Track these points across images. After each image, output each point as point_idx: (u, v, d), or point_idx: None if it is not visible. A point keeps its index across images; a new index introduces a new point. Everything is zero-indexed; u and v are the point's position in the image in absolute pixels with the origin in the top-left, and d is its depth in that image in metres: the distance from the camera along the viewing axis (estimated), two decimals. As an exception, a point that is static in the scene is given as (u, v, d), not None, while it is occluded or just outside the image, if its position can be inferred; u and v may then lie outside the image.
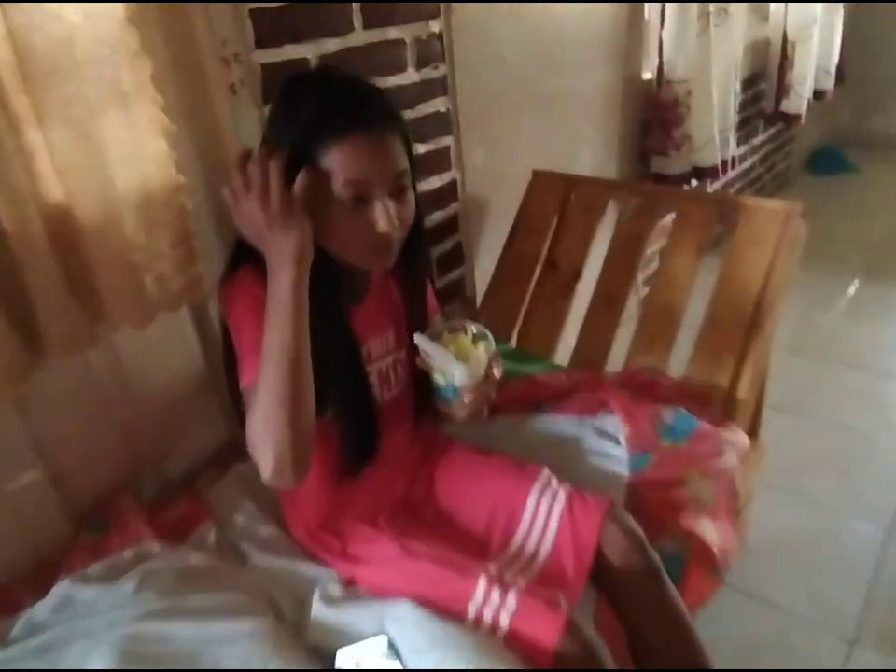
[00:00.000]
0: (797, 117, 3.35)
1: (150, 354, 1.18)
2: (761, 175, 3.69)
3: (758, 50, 3.11)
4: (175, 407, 1.24)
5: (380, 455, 1.03)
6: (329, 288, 0.92)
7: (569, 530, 0.99)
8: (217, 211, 1.21)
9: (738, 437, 1.26)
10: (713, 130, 2.44)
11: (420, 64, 1.48)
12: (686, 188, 2.49)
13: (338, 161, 0.82)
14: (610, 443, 1.21)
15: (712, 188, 2.86)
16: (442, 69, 1.53)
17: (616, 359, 1.52)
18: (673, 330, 1.45)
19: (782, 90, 3.24)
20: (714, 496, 1.14)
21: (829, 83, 3.56)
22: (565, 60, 1.99)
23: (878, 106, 4.46)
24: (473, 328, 1.00)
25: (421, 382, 1.03)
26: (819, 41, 3.26)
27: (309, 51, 1.26)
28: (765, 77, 3.24)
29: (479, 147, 1.72)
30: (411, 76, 1.47)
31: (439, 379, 0.97)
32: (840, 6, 3.36)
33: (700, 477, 1.14)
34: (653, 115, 2.38)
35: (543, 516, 1.03)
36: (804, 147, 4.21)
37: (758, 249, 1.38)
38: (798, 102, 3.29)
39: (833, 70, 3.54)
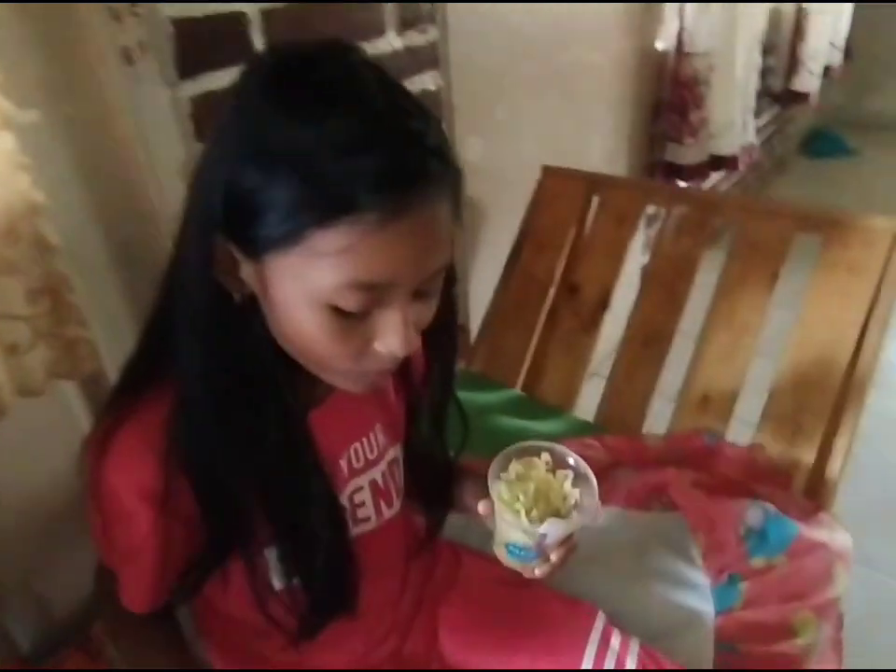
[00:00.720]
0: (806, 95, 3.04)
1: (18, 450, 0.80)
2: (760, 161, 3.38)
3: (770, 22, 2.78)
4: (56, 521, 0.86)
5: (359, 608, 0.68)
6: (278, 391, 0.57)
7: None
8: (117, 243, 0.83)
9: (839, 536, 0.94)
10: (734, 112, 2.11)
11: (404, 26, 1.09)
12: (701, 182, 2.14)
13: (348, 254, 0.47)
14: (679, 559, 0.87)
15: (727, 180, 2.53)
16: (432, 33, 1.14)
17: (657, 420, 1.18)
18: (737, 383, 1.12)
19: (794, 65, 2.92)
20: (828, 637, 0.82)
21: (837, 59, 3.26)
22: (576, 29, 1.61)
23: (877, 86, 4.19)
24: (546, 451, 0.65)
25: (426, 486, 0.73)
26: (831, 12, 2.94)
27: (247, 4, 0.87)
28: (775, 51, 2.91)
29: (474, 136, 1.34)
30: (391, 41, 1.08)
31: (516, 537, 0.62)
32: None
33: (815, 618, 0.81)
34: (669, 94, 2.02)
35: None
36: (799, 129, 3.92)
37: (853, 281, 1.05)
38: (809, 79, 2.98)
39: (842, 45, 3.24)
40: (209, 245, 0.51)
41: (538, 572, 0.67)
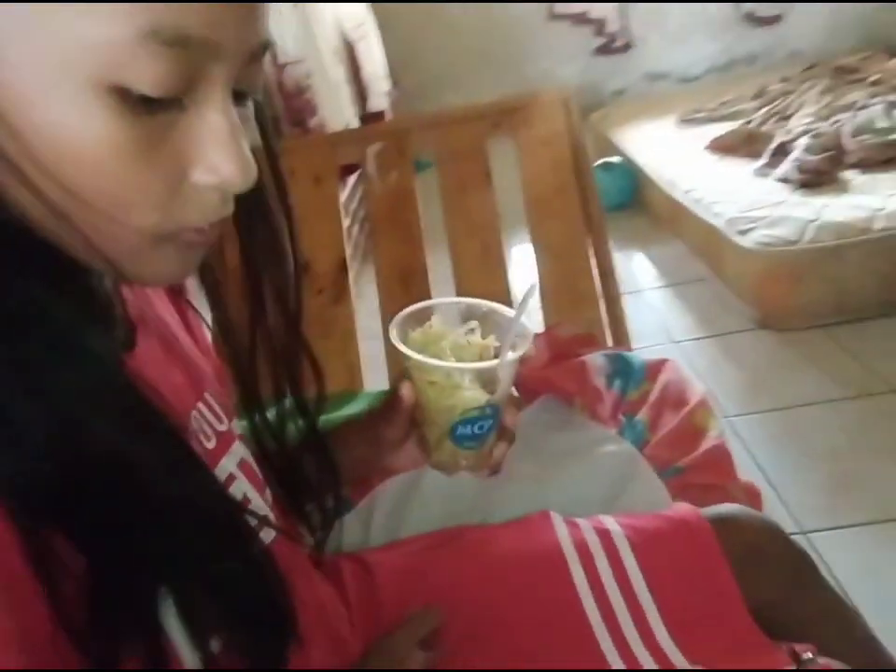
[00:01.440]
0: (382, 113, 3.36)
1: None
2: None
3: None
4: None
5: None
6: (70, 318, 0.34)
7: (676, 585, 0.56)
8: None
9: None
10: (347, 114, 2.18)
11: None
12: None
13: None
14: (575, 429, 0.80)
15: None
16: None
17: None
18: (503, 278, 1.10)
19: (363, 90, 3.20)
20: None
21: (388, 84, 3.68)
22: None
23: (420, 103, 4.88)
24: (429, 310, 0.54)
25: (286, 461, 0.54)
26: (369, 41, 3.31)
27: None
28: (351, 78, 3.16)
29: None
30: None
31: (464, 401, 0.49)
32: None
33: (709, 411, 0.81)
34: (283, 108, 2.00)
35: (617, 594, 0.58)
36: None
37: (551, 150, 1.11)
38: (379, 99, 3.30)
39: (387, 71, 3.67)
40: None
41: (496, 453, 0.53)
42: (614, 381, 0.85)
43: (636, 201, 2.63)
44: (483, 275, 1.11)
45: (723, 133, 2.44)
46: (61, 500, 0.31)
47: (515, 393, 0.70)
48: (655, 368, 0.87)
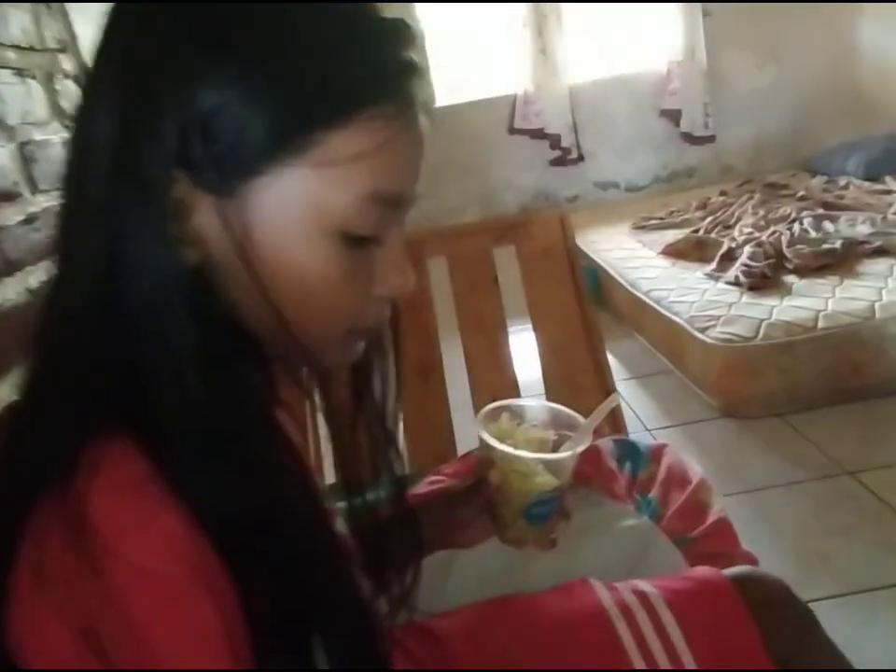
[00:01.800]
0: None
1: None
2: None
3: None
4: None
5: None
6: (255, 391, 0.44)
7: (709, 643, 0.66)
8: None
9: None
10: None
11: None
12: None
13: (368, 158, 0.40)
14: (595, 508, 0.90)
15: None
16: None
17: (464, 436, 1.20)
18: (510, 373, 1.22)
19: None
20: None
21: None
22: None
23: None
24: (504, 410, 0.67)
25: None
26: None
27: None
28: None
29: None
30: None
31: (537, 486, 0.60)
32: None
33: (710, 488, 0.93)
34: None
35: (658, 646, 0.67)
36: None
37: (551, 261, 1.27)
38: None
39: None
40: (162, 193, 0.38)
41: (558, 529, 0.63)
42: (624, 463, 0.96)
43: (598, 299, 2.85)
44: (493, 369, 1.23)
45: (674, 239, 2.70)
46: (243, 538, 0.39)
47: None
48: (658, 451, 0.99)
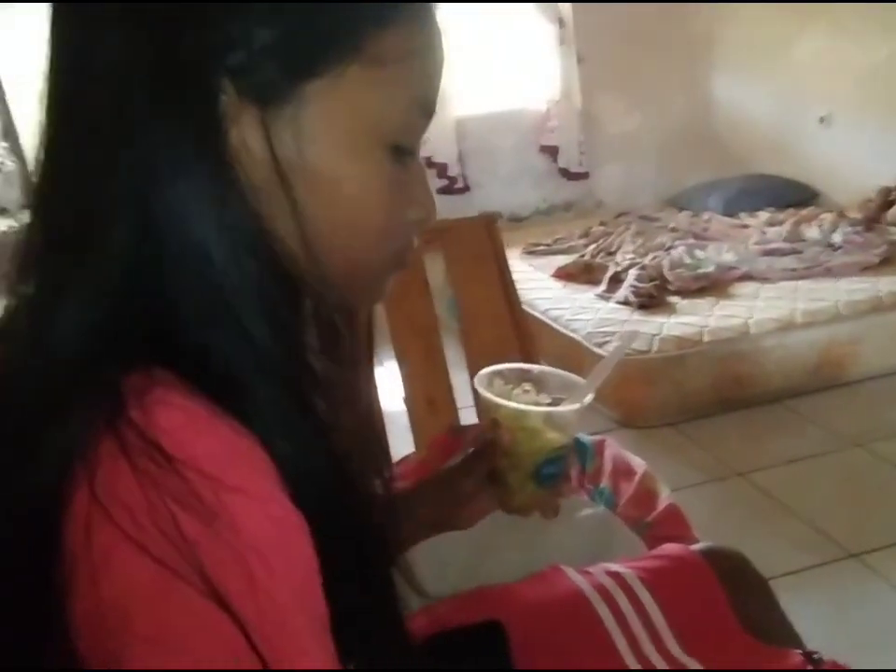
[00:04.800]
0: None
1: None
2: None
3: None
4: None
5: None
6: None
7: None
8: None
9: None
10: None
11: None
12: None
13: (413, 61, 0.39)
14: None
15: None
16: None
17: (400, 442, 1.16)
18: (444, 376, 1.20)
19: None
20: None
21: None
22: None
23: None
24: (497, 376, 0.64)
25: None
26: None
27: None
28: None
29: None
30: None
31: (549, 443, 0.58)
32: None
33: (655, 476, 0.96)
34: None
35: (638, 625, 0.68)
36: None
37: (481, 264, 1.28)
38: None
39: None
40: (210, 106, 0.35)
41: (554, 503, 0.62)
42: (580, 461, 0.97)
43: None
44: (427, 373, 1.21)
45: (564, 263, 2.83)
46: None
47: None
48: (600, 445, 1.01)
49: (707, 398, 2.04)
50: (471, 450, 0.63)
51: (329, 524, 0.35)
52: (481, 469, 0.61)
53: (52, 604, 0.31)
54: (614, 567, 0.73)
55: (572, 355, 2.26)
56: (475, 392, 0.61)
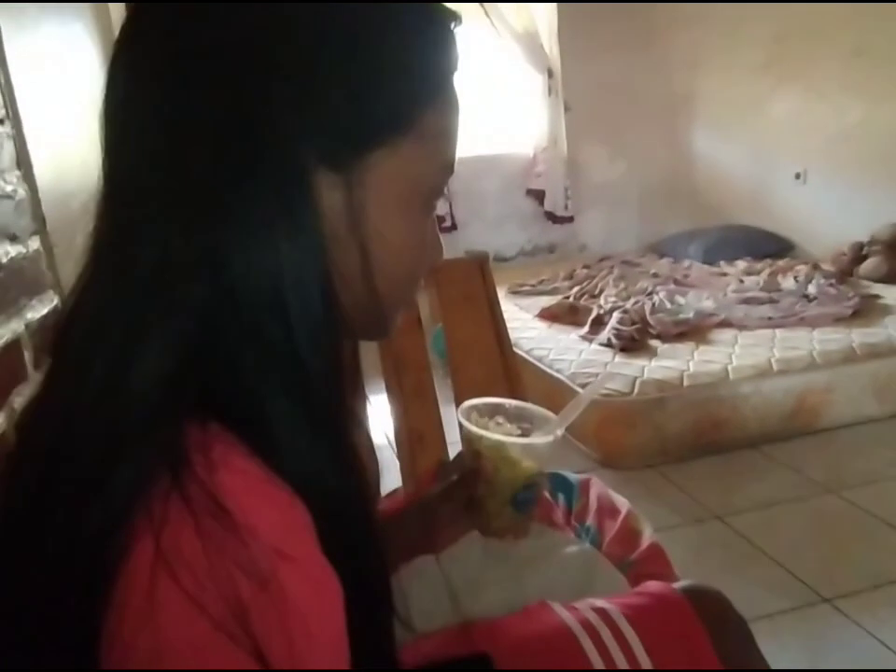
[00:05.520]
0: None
1: None
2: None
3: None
4: None
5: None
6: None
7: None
8: None
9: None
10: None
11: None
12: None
13: (445, 134, 0.46)
14: (537, 540, 0.92)
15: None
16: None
17: (390, 476, 1.18)
18: (434, 413, 1.23)
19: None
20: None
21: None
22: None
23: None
24: (474, 410, 0.69)
25: None
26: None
27: None
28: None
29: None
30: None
31: (524, 472, 0.63)
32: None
33: (638, 517, 0.98)
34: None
35: (623, 661, 0.70)
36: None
37: (472, 305, 1.32)
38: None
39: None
40: (296, 172, 0.40)
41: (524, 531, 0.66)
42: (558, 495, 1.00)
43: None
44: (417, 409, 1.23)
45: (549, 304, 2.88)
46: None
47: None
48: (586, 484, 1.04)
49: (687, 441, 2.08)
50: (455, 477, 0.67)
51: (348, 560, 0.38)
52: (460, 495, 0.65)
53: (81, 645, 0.32)
54: (599, 602, 0.75)
55: (555, 393, 2.30)
56: (460, 424, 0.65)
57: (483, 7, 3.87)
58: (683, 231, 3.86)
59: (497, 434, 0.64)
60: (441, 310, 1.30)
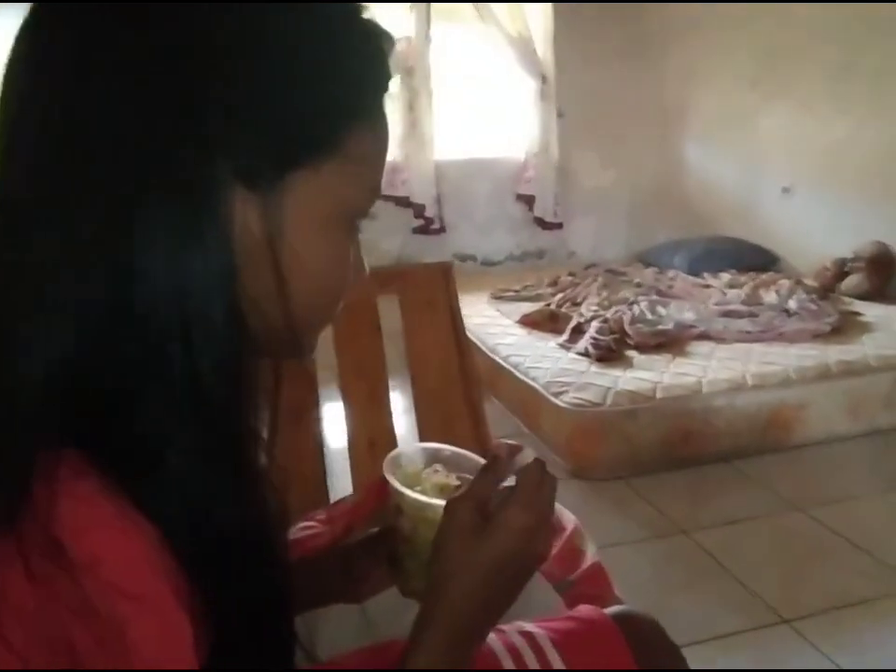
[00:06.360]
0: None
1: None
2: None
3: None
4: None
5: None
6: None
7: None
8: None
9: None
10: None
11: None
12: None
13: (371, 157, 0.45)
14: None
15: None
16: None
17: (340, 481, 1.16)
18: (387, 420, 1.21)
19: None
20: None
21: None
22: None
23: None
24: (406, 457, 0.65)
25: None
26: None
27: None
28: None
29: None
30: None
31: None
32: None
33: (582, 533, 0.97)
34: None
35: None
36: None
37: (434, 310, 1.30)
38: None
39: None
40: (208, 186, 0.38)
41: None
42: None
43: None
44: (370, 415, 1.21)
45: (530, 310, 2.87)
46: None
47: None
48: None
49: (657, 453, 2.06)
50: (375, 530, 0.65)
51: (236, 587, 0.37)
52: (381, 550, 0.62)
53: None
54: (528, 626, 0.74)
55: (529, 402, 2.28)
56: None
57: (477, 9, 3.85)
58: (670, 241, 3.85)
59: (419, 494, 0.60)
60: (402, 315, 1.28)
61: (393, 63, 0.45)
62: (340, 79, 0.41)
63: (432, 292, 1.31)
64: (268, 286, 0.41)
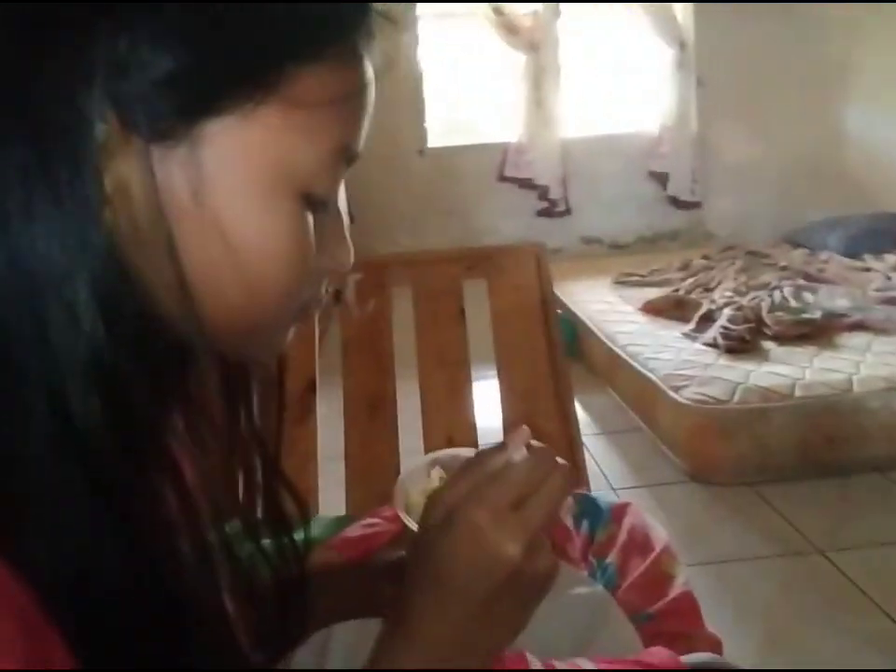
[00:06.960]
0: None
1: None
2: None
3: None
4: None
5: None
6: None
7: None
8: None
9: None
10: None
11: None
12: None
13: (338, 105, 0.35)
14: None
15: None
16: None
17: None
18: (468, 413, 1.13)
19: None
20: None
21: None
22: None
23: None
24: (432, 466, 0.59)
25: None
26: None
27: None
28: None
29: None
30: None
31: None
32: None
33: (675, 559, 0.83)
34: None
35: None
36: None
37: (522, 295, 1.20)
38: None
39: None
40: (81, 132, 0.30)
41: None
42: (582, 521, 0.87)
43: (573, 350, 2.78)
44: (450, 408, 1.14)
45: (654, 297, 2.66)
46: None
47: None
48: (620, 510, 0.90)
49: (793, 458, 1.82)
50: (399, 554, 0.57)
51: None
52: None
53: None
54: (584, 662, 0.63)
55: (646, 395, 2.11)
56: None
57: (607, -25, 3.62)
58: (825, 219, 3.43)
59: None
60: (489, 302, 1.19)
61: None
62: (279, 4, 0.32)
63: (522, 277, 1.20)
64: (168, 270, 0.32)
